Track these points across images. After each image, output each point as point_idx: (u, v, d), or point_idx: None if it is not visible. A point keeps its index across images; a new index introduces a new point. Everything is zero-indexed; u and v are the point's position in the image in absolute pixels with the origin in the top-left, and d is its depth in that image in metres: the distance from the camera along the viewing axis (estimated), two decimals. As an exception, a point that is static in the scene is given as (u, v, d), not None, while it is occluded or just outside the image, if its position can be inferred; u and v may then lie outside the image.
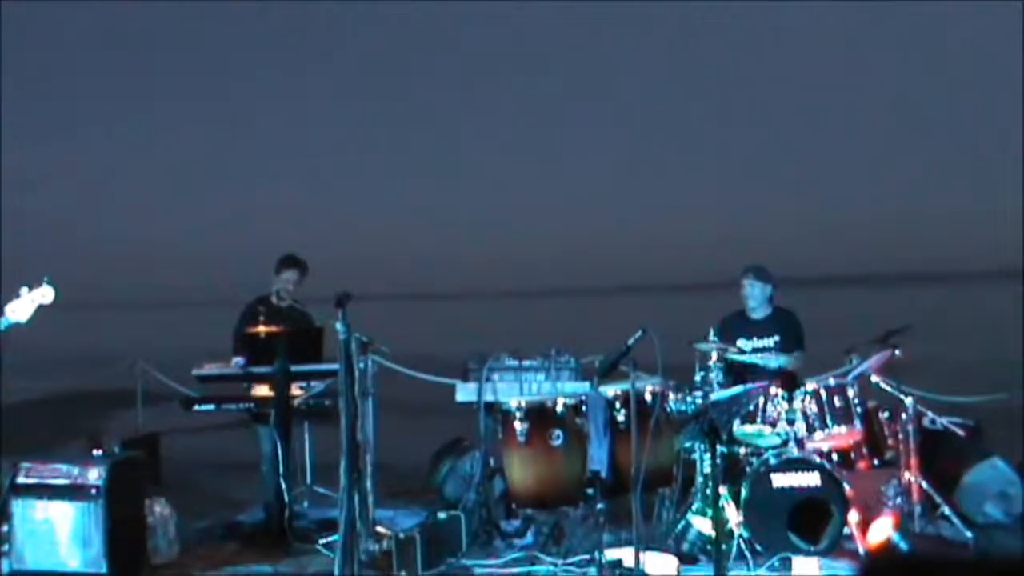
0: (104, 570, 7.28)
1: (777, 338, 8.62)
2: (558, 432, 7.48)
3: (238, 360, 8.48)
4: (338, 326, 6.55)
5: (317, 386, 8.53)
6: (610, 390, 7.71)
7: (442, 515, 7.97)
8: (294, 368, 8.34)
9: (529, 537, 8.01)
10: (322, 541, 8.09)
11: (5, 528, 7.41)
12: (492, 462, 8.38)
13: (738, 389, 6.74)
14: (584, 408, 7.67)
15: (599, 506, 7.18)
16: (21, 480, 7.45)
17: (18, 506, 7.41)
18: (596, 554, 7.09)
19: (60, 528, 7.35)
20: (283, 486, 8.30)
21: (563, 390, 8.15)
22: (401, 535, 7.44)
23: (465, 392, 8.58)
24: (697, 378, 7.96)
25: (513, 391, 8.25)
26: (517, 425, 7.49)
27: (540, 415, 7.56)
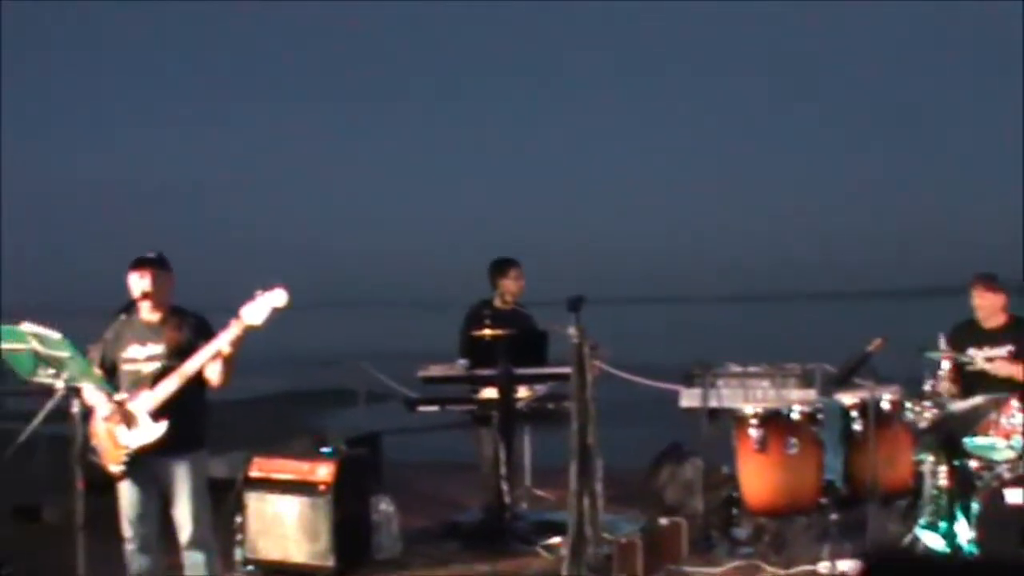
0: (331, 564, 7.41)
1: (1011, 347, 8.20)
2: (793, 440, 7.29)
3: (462, 362, 8.50)
4: (571, 330, 6.48)
5: (541, 389, 8.52)
6: (846, 398, 7.49)
7: (663, 521, 7.86)
8: (518, 371, 8.33)
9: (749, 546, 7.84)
10: (542, 543, 8.07)
11: (239, 519, 7.62)
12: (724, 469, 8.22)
13: (977, 400, 6.44)
14: (819, 416, 7.46)
15: (832, 516, 6.98)
16: (254, 474, 7.64)
17: (251, 498, 7.61)
18: (820, 564, 6.89)
19: (289, 521, 7.50)
20: (504, 488, 8.31)
21: (789, 397, 7.95)
22: (622, 539, 7.36)
23: (689, 398, 8.45)
24: (927, 387, 7.65)
25: (737, 397, 8.09)
26: (752, 432, 7.32)
27: (775, 422, 7.38)
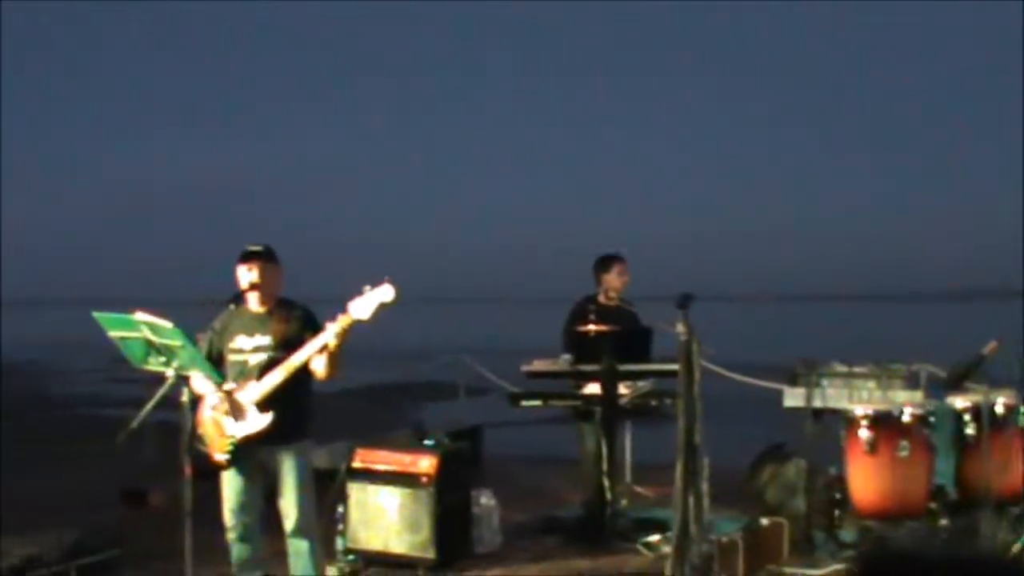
0: (431, 556, 7.43)
1: None
2: (904, 443, 7.16)
3: (566, 357, 8.49)
4: (679, 327, 6.43)
5: (644, 385, 8.47)
6: (959, 401, 7.34)
7: (764, 521, 7.76)
8: (622, 367, 8.29)
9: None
10: (642, 540, 8.03)
11: (341, 509, 7.67)
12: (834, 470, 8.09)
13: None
14: (931, 419, 7.32)
15: (941, 521, 6.84)
16: (356, 464, 7.69)
17: (353, 489, 7.66)
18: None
19: (391, 512, 7.54)
20: (605, 484, 8.28)
21: (895, 399, 7.82)
22: (723, 539, 7.28)
23: (793, 397, 8.34)
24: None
25: (842, 398, 7.98)
26: (862, 433, 7.22)
27: (886, 424, 7.26)
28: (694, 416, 6.36)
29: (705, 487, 6.53)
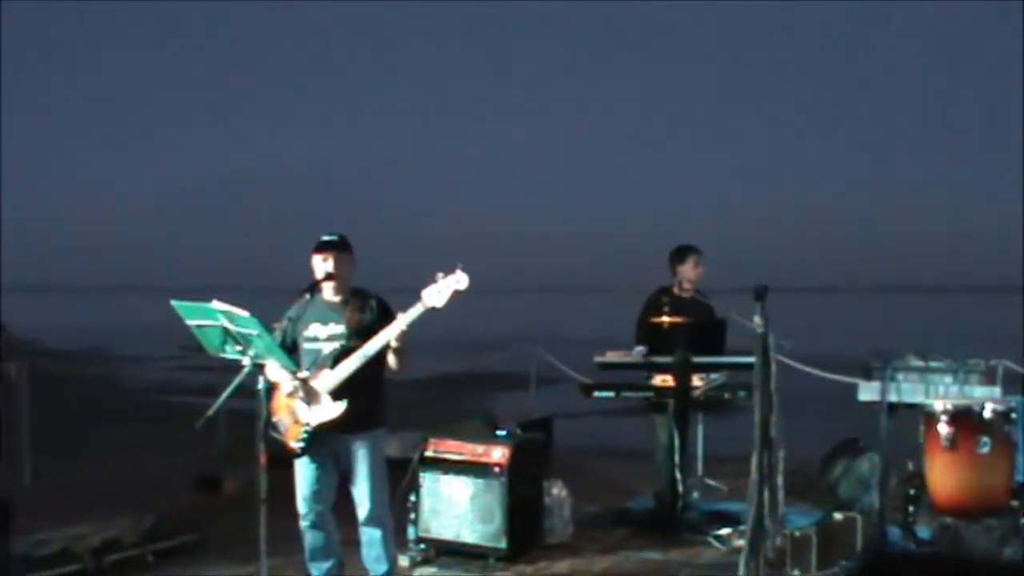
0: (503, 545, 7.44)
1: None
2: (985, 439, 7.06)
3: (640, 349, 8.47)
4: (755, 319, 6.38)
5: (717, 378, 8.44)
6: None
7: (838, 516, 7.69)
8: (695, 359, 8.26)
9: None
10: (714, 533, 8.00)
11: (413, 498, 7.71)
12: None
13: None
14: (1013, 415, 7.21)
15: (1022, 520, 6.74)
16: (429, 453, 7.72)
17: (426, 478, 7.69)
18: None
19: (463, 502, 7.56)
20: (677, 476, 8.26)
21: (972, 393, 7.71)
22: (796, 533, 7.23)
23: (867, 391, 8.24)
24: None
25: (918, 392, 7.88)
26: (942, 429, 7.12)
27: (967, 420, 7.15)
28: (770, 409, 6.31)
29: (780, 481, 6.49)
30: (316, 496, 6.36)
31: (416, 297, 6.01)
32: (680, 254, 8.80)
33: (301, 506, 6.38)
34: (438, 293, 5.98)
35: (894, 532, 7.64)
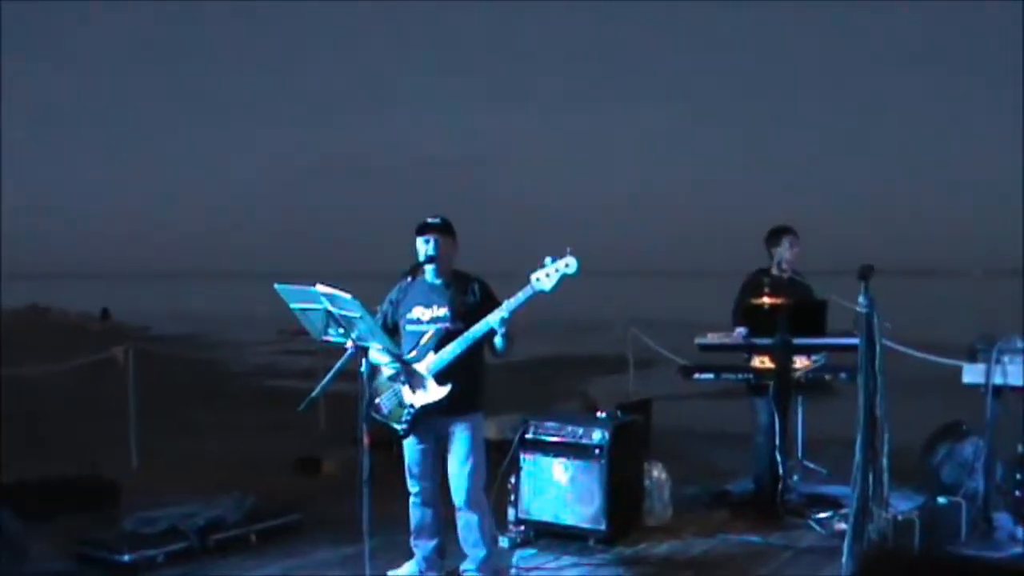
0: (603, 527, 7.44)
1: None
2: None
3: (740, 331, 8.42)
4: (860, 300, 6.31)
5: (818, 360, 8.37)
6: None
7: (942, 500, 7.59)
8: (796, 341, 8.19)
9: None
10: (815, 516, 7.94)
11: (513, 480, 7.74)
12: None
13: None
14: None
15: None
16: (529, 436, 7.74)
17: (525, 460, 7.72)
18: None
19: (563, 484, 7.58)
20: (778, 459, 8.21)
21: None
22: (899, 517, 7.15)
23: (972, 374, 8.11)
24: None
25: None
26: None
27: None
28: (875, 391, 6.24)
29: (885, 464, 6.42)
30: (423, 476, 6.44)
31: (518, 282, 5.99)
32: (775, 235, 8.74)
33: (410, 483, 6.46)
34: (547, 277, 5.94)
35: (1001, 517, 7.54)
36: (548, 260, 5.94)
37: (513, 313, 6.02)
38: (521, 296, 5.98)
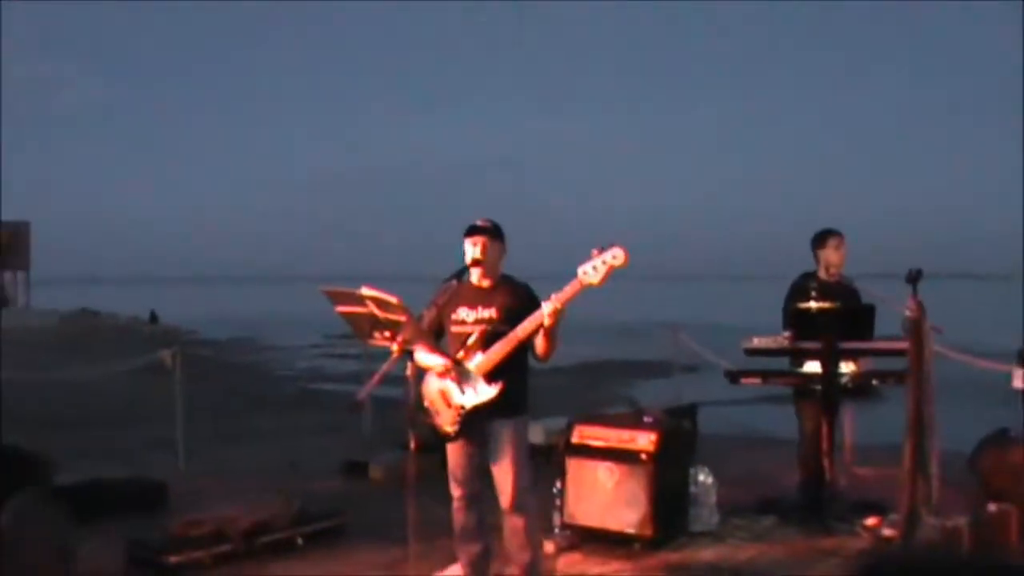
0: (648, 533, 7.41)
1: None
2: None
3: (786, 334, 8.35)
4: (908, 304, 6.26)
5: (865, 364, 8.30)
6: None
7: (991, 507, 7.52)
8: (844, 345, 8.13)
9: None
10: (862, 522, 7.88)
11: (558, 484, 7.72)
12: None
13: None
14: None
15: None
16: (574, 440, 7.73)
17: (571, 464, 7.71)
18: None
19: (609, 488, 7.56)
20: (824, 464, 8.15)
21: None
22: (949, 524, 7.09)
23: (1021, 378, 8.04)
24: None
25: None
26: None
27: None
28: (923, 396, 6.20)
29: (934, 470, 6.37)
30: (469, 479, 6.37)
31: (565, 285, 5.94)
32: (821, 239, 8.66)
33: (454, 488, 6.39)
34: (594, 270, 5.85)
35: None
36: (595, 252, 5.85)
37: (561, 308, 5.95)
38: (568, 290, 5.87)
